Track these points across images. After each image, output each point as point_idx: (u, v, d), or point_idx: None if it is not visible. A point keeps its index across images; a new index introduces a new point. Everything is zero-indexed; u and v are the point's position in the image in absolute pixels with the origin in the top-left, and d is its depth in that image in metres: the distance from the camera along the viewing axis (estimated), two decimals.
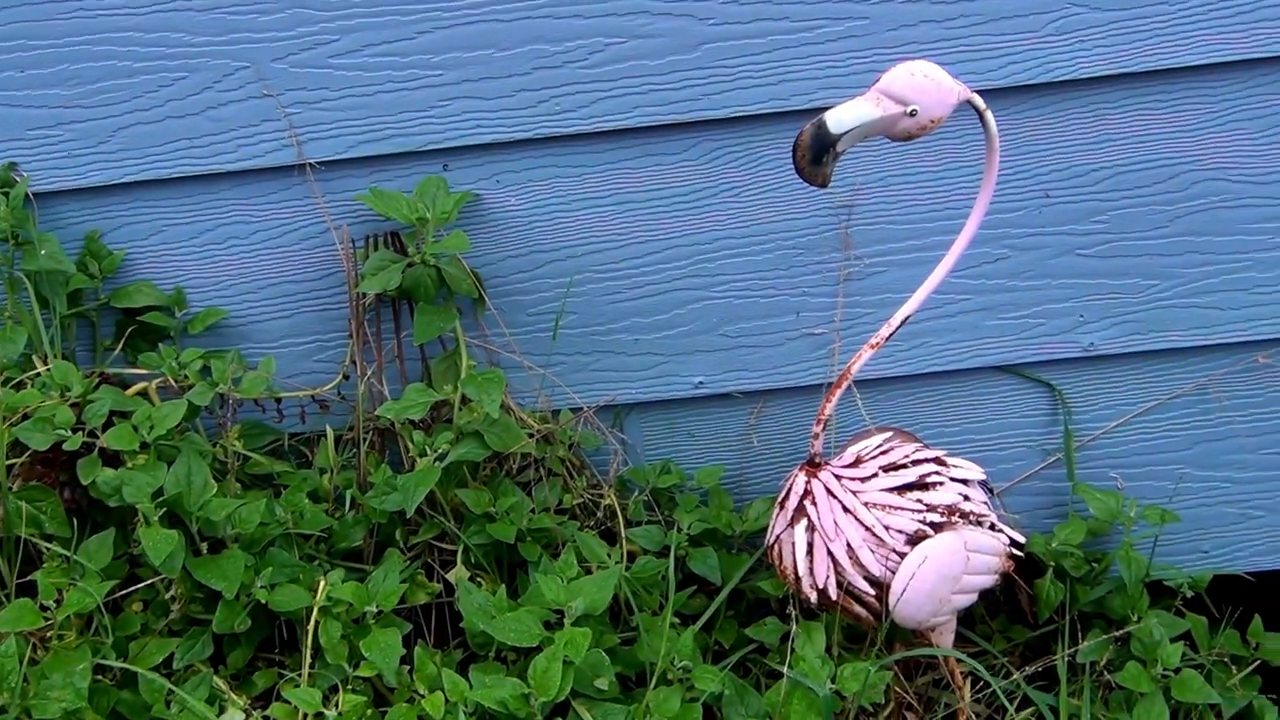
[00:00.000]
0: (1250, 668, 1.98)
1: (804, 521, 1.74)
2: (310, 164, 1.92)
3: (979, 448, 2.06)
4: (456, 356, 1.96)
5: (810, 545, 1.74)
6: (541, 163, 1.93)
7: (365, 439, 2.00)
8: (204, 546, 1.78)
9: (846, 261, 1.97)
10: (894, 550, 1.72)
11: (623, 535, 1.97)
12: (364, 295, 1.96)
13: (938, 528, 1.72)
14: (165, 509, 1.75)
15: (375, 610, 1.79)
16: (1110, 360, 2.02)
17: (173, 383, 1.91)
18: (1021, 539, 1.83)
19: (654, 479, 2.04)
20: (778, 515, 1.77)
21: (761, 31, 1.84)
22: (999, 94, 1.87)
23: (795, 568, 1.75)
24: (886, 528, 1.71)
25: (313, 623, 1.76)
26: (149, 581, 1.81)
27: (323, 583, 1.79)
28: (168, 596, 1.81)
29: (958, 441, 2.05)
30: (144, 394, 1.93)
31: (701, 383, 2.04)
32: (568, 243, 1.96)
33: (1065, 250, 1.96)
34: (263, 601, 1.76)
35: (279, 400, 2.02)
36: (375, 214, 1.93)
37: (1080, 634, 1.99)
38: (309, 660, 1.77)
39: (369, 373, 2.00)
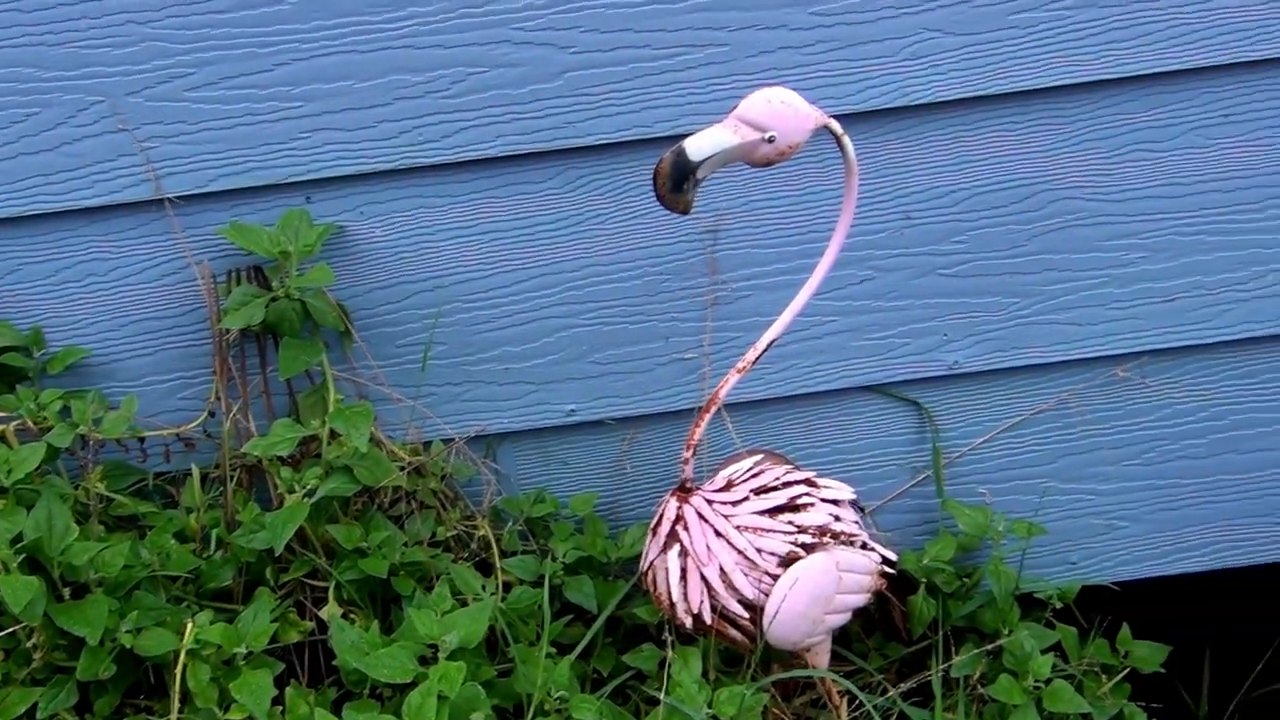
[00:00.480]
0: (1120, 676, 2.02)
1: (677, 547, 1.74)
2: (169, 199, 1.89)
3: (849, 467, 2.08)
4: (324, 390, 1.94)
5: (684, 570, 1.74)
6: (406, 193, 1.91)
7: (232, 477, 1.96)
8: (66, 592, 1.74)
9: (714, 286, 1.98)
10: (766, 573, 1.73)
11: (498, 566, 1.96)
12: (227, 331, 1.93)
13: (809, 549, 1.74)
14: (25, 555, 1.70)
15: (245, 651, 1.75)
16: (975, 377, 2.06)
17: (31, 425, 1.86)
18: (893, 557, 1.85)
19: (528, 508, 2.03)
20: (651, 541, 1.77)
21: (623, 59, 1.85)
22: (859, 118, 1.90)
23: (670, 593, 1.75)
24: (759, 550, 1.72)
25: (180, 666, 1.73)
26: (9, 630, 1.76)
27: (190, 625, 1.76)
28: (29, 645, 1.76)
29: (828, 461, 2.07)
30: (1, 437, 1.88)
31: (573, 410, 2.03)
32: (435, 273, 1.95)
33: (927, 271, 1.99)
34: (128, 646, 1.72)
35: (142, 440, 1.97)
36: (238, 248, 1.90)
37: (954, 649, 2.02)
38: (177, 705, 1.73)
39: (234, 409, 1.97)
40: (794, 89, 1.68)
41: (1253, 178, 1.96)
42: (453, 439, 2.02)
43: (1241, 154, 1.95)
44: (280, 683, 1.77)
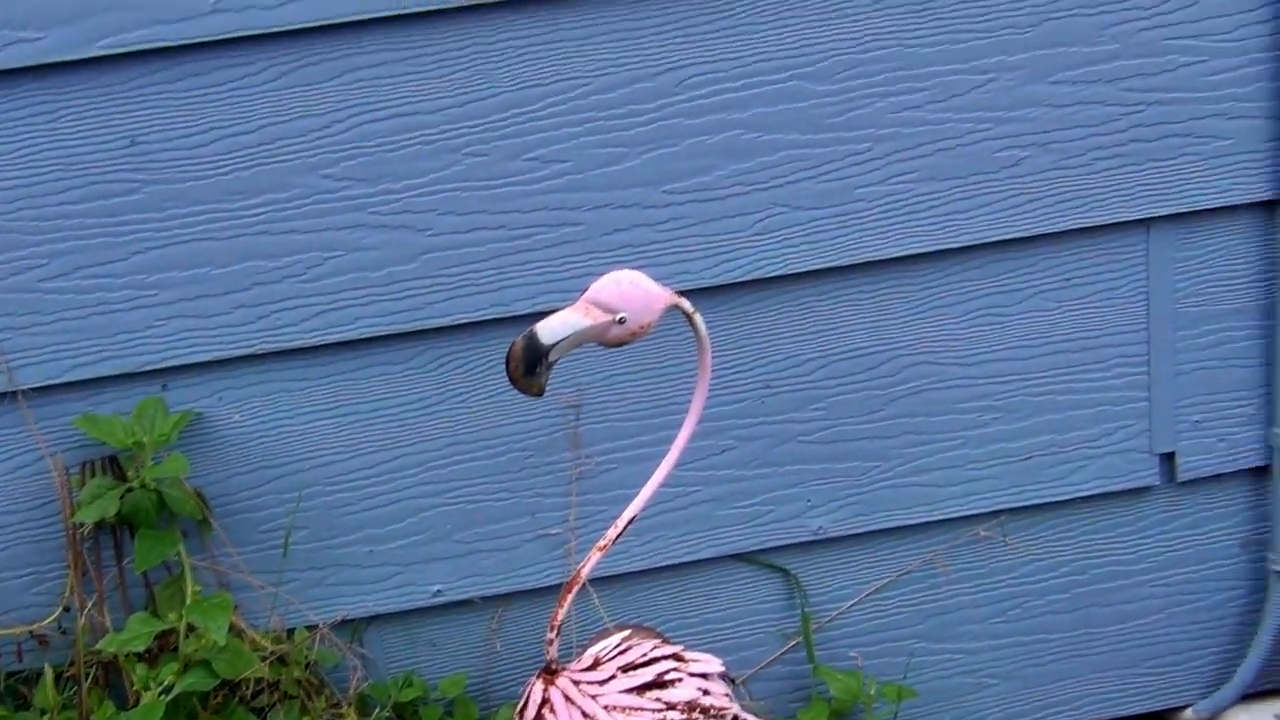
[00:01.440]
0: None
1: None
2: (21, 391, 1.86)
3: (720, 637, 2.08)
4: (181, 581, 1.90)
5: None
6: (264, 378, 1.90)
7: (88, 675, 1.90)
8: None
9: (578, 460, 1.99)
10: None
11: None
12: (81, 524, 1.89)
13: None
14: None
15: None
16: (840, 542, 2.07)
17: None
18: None
19: (396, 693, 1.99)
20: None
21: (480, 240, 1.87)
22: (714, 292, 1.93)
23: None
24: None
25: None
26: None
27: None
28: None
29: (698, 632, 2.07)
30: None
31: (440, 590, 2.01)
32: (295, 457, 1.93)
33: (788, 438, 2.01)
34: None
35: None
36: (92, 439, 1.87)
37: None
38: None
39: (89, 604, 1.92)
40: (649, 265, 1.72)
41: (1098, 337, 2.02)
42: (317, 625, 1.98)
43: (1085, 315, 2.01)
44: None
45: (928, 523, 2.08)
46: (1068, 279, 2.00)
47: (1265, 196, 1.97)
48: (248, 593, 1.97)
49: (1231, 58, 1.91)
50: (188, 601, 1.87)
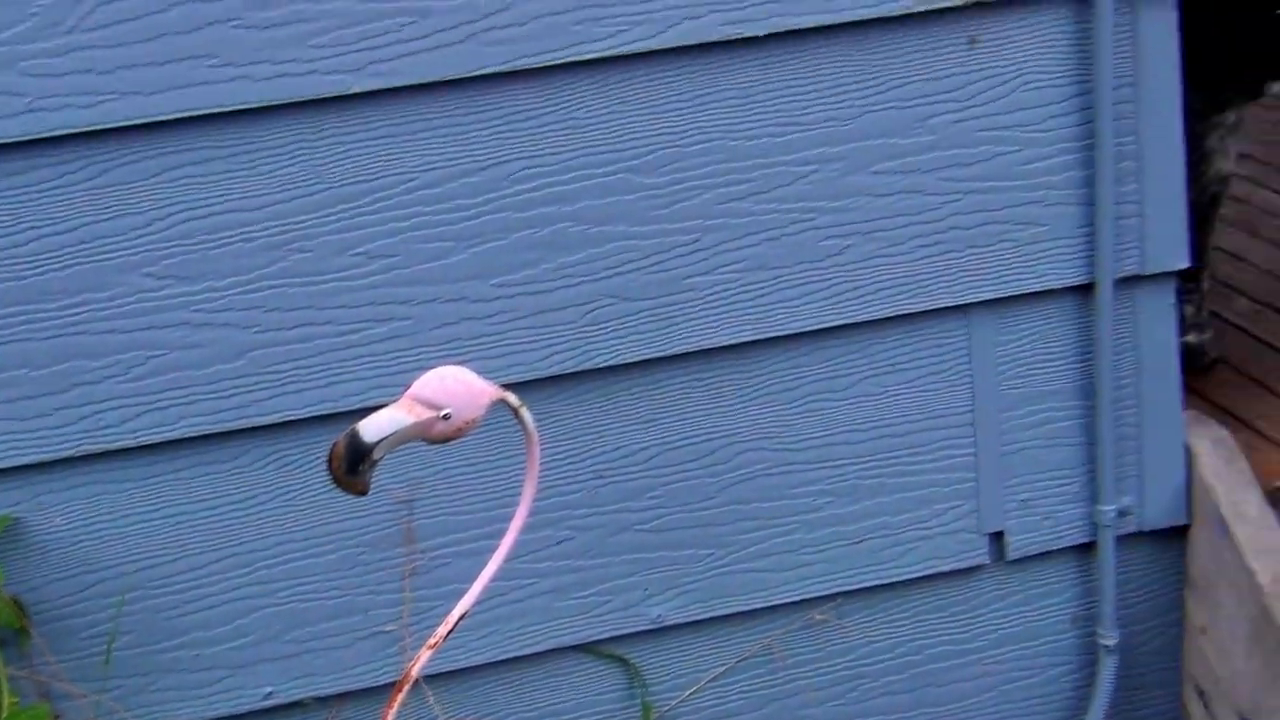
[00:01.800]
0: None
1: None
2: None
3: None
4: None
5: None
6: (86, 480, 1.86)
7: None
8: None
9: (411, 556, 1.97)
10: None
11: None
12: None
13: None
14: None
15: None
16: (679, 629, 2.08)
17: None
18: None
19: None
20: None
21: (307, 336, 1.86)
22: (546, 383, 1.93)
23: None
24: None
25: None
26: None
27: None
28: None
29: None
30: None
31: (271, 692, 1.97)
32: (118, 560, 1.89)
33: (624, 527, 2.02)
34: None
35: None
36: None
37: None
38: None
39: None
40: (480, 358, 1.72)
41: (925, 420, 2.06)
42: None
43: (912, 399, 2.05)
44: None
45: (765, 608, 2.09)
46: (894, 364, 2.04)
47: (1080, 280, 2.04)
48: (69, 702, 1.90)
49: (1043, 147, 1.98)
50: (4, 714, 1.81)
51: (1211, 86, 2.29)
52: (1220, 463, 2.14)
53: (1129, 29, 1.94)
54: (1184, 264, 2.07)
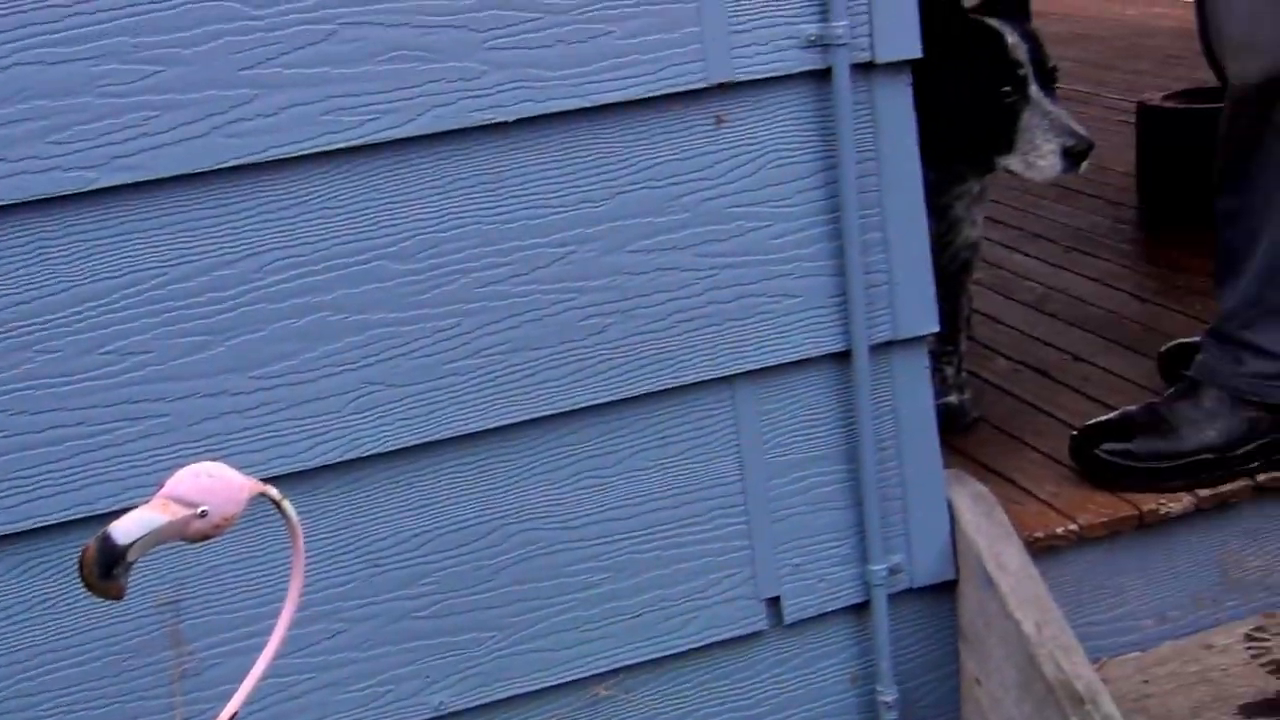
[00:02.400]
0: None
1: None
2: None
3: None
4: None
5: None
6: None
7: None
8: None
9: (180, 658, 1.92)
10: None
11: None
12: None
13: None
14: None
15: None
16: (463, 715, 2.06)
17: None
18: None
19: None
20: None
21: (57, 439, 1.81)
22: (312, 474, 1.91)
23: None
24: None
25: None
26: None
27: None
28: None
29: None
30: None
31: None
32: None
33: (401, 616, 2.00)
34: None
35: None
36: None
37: None
38: None
39: None
40: (242, 453, 1.69)
41: (696, 492, 2.10)
42: None
43: (682, 472, 2.09)
44: None
45: (549, 687, 2.09)
46: (663, 437, 2.07)
47: (837, 348, 2.10)
48: None
49: (792, 221, 2.04)
50: None
51: (946, 162, 2.40)
52: (981, 518, 2.22)
53: (868, 106, 2.03)
54: (934, 328, 2.15)
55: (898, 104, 2.04)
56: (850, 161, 2.01)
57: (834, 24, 1.96)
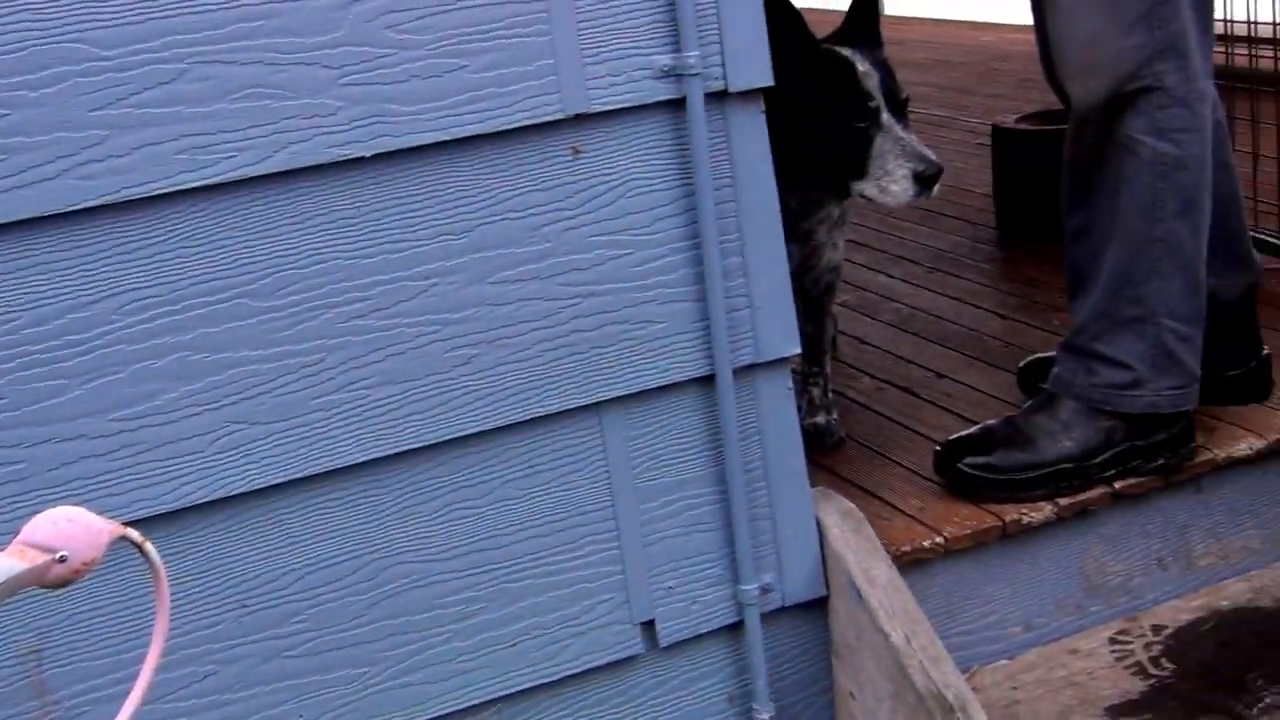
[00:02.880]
0: None
1: None
2: None
3: None
4: None
5: None
6: None
7: None
8: None
9: (45, 708, 1.88)
10: None
11: None
12: None
13: None
14: None
15: None
16: None
17: None
18: None
19: None
20: None
21: None
22: (178, 515, 1.90)
23: None
24: None
25: None
26: None
27: None
28: None
29: None
30: None
31: None
32: None
33: (272, 655, 1.98)
34: None
35: None
36: None
37: None
38: None
39: None
40: (105, 496, 1.68)
41: (567, 519, 2.11)
42: None
43: (553, 500, 2.10)
44: None
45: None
46: (533, 466, 2.08)
47: (702, 373, 2.13)
48: None
49: (654, 249, 2.07)
50: None
51: (805, 188, 2.45)
52: (849, 534, 2.26)
53: (722, 134, 2.07)
54: (796, 350, 2.19)
55: (752, 131, 2.08)
56: (707, 189, 2.05)
57: (686, 54, 2.00)
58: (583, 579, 2.14)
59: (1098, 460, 2.41)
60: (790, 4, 2.37)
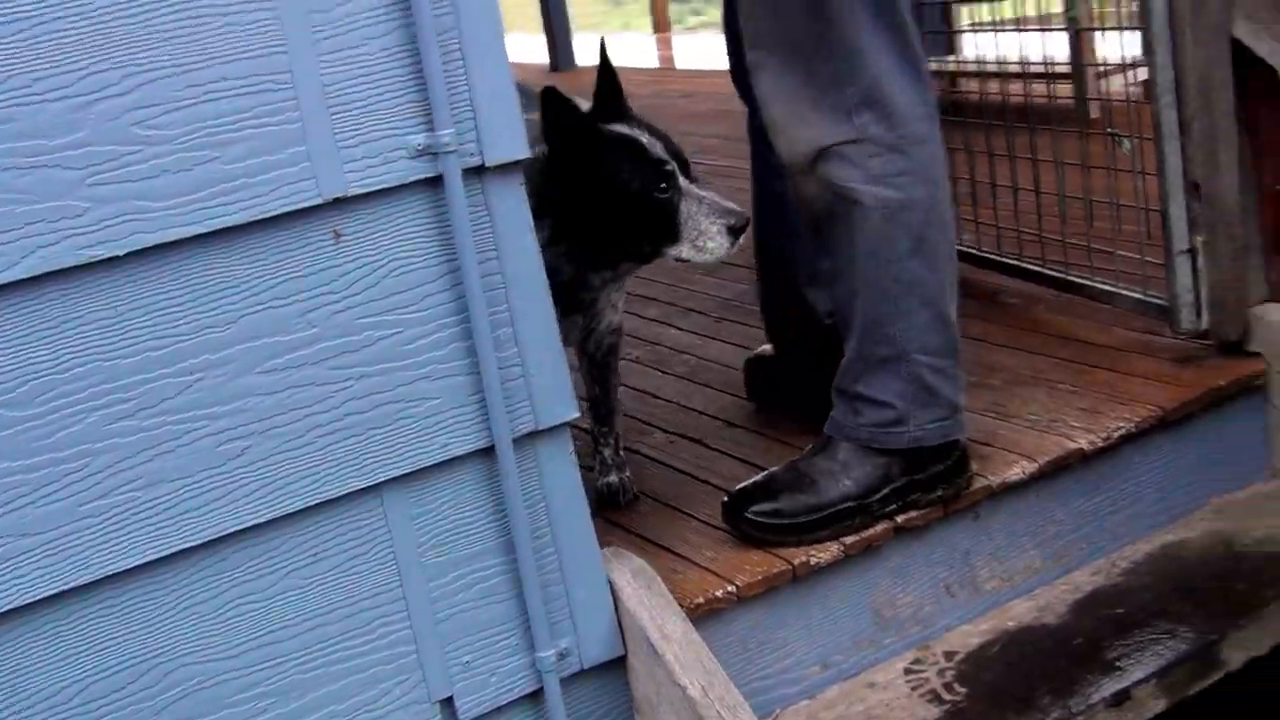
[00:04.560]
0: None
1: None
2: None
3: None
4: None
5: None
6: None
7: None
8: None
9: None
10: None
11: None
12: None
13: None
14: None
15: None
16: None
17: None
18: None
19: None
20: None
21: None
22: None
23: None
24: None
25: None
26: None
27: None
28: None
29: None
30: None
31: None
32: None
33: None
34: None
35: None
36: None
37: None
38: None
39: None
40: None
41: (355, 603, 2.10)
42: None
43: (339, 586, 2.08)
44: None
45: None
46: (316, 554, 2.06)
47: (482, 445, 2.14)
48: None
49: (422, 326, 2.08)
50: None
51: (614, 263, 2.49)
52: (642, 591, 2.29)
53: (483, 208, 2.09)
54: (574, 415, 2.21)
55: (512, 203, 2.11)
56: (472, 263, 2.06)
57: (440, 132, 2.01)
58: (376, 662, 2.12)
59: (878, 496, 2.48)
60: (561, 94, 2.40)
